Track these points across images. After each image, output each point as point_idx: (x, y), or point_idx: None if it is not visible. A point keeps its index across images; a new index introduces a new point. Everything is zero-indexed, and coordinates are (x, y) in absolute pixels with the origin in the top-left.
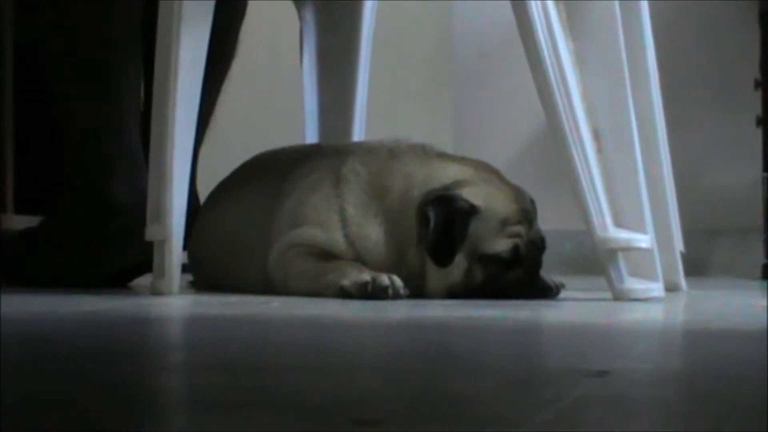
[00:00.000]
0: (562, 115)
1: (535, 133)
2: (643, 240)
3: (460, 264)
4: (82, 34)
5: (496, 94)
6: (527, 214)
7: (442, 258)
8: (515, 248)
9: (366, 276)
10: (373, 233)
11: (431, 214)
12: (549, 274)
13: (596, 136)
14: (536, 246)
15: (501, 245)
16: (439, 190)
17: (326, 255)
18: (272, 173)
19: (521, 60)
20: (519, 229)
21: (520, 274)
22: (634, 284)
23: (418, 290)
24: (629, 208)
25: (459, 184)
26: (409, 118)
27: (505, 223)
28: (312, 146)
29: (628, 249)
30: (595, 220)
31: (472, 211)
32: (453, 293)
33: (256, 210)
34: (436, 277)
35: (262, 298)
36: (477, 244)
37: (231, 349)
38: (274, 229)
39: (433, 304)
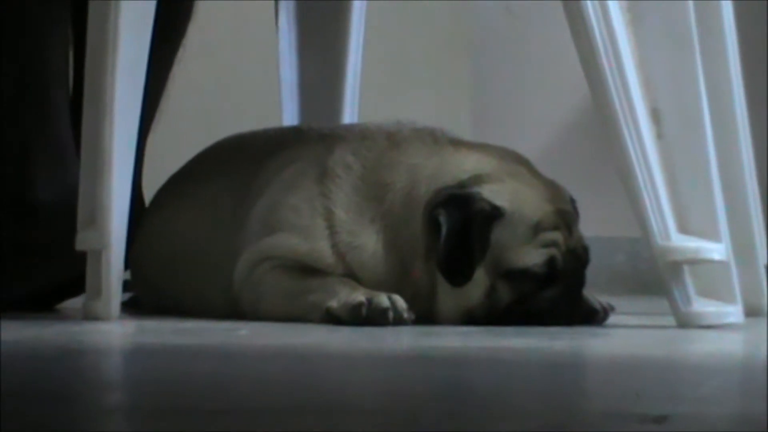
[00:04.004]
0: (612, 90)
1: (575, 114)
2: (716, 250)
3: (480, 282)
4: None
5: (527, 63)
6: (566, 217)
7: (457, 274)
8: (550, 261)
9: (360, 296)
10: (368, 243)
11: (443, 219)
12: (594, 293)
13: (656, 117)
14: (577, 258)
15: (532, 257)
16: (452, 187)
17: (309, 270)
18: (239, 165)
19: (559, 19)
20: (555, 236)
21: (556, 293)
22: (704, 307)
23: (426, 314)
24: (698, 210)
25: (478, 179)
26: (416, 94)
27: (537, 228)
28: (291, 130)
29: (697, 262)
30: (654, 224)
31: (494, 214)
32: (471, 318)
33: (219, 212)
34: (449, 297)
35: (225, 324)
36: (501, 257)
37: (186, 389)
38: (241, 237)
39: (445, 331)
